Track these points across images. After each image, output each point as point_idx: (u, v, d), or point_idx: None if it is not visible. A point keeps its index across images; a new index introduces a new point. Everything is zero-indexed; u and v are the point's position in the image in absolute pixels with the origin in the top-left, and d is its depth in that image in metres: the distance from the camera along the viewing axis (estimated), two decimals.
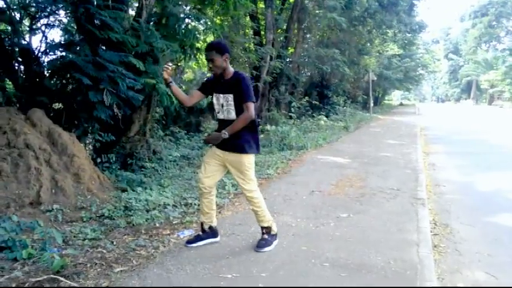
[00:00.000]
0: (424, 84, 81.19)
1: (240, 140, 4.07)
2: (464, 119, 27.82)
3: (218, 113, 4.18)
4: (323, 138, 13.89)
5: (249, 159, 4.15)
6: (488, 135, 16.43)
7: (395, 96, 76.18)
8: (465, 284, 3.81)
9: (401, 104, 62.16)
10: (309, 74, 23.00)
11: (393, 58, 36.18)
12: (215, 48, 4.01)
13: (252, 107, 3.99)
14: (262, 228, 4.36)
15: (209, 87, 4.26)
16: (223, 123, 4.13)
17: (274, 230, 4.40)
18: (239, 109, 4.02)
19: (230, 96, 4.03)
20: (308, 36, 21.69)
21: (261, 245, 4.26)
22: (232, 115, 4.06)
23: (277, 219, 5.25)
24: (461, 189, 7.54)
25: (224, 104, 4.09)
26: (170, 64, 4.21)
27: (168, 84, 4.21)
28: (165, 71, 4.14)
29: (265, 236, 4.33)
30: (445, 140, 15.34)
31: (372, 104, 30.92)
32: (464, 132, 18.13)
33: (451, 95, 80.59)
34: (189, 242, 4.38)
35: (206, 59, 4.09)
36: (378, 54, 33.67)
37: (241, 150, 4.10)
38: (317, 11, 19.22)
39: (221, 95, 4.10)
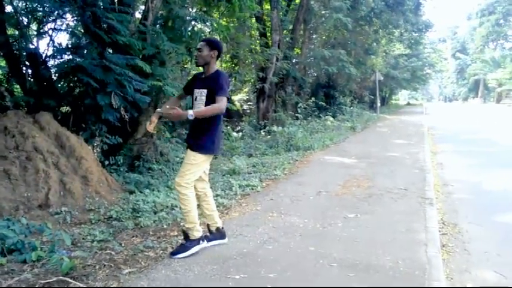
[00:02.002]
0: (431, 84, 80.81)
1: (196, 139, 4.09)
2: (472, 118, 27.64)
3: (192, 107, 4.17)
4: (330, 138, 13.87)
5: (194, 157, 4.06)
6: (496, 134, 16.31)
7: (402, 96, 75.89)
8: (474, 283, 3.80)
9: (408, 104, 61.85)
10: (316, 74, 22.93)
11: (400, 58, 36.05)
12: (206, 41, 4.16)
13: (224, 101, 3.97)
14: (183, 232, 4.25)
15: (192, 83, 4.32)
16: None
17: (195, 235, 4.17)
18: (208, 105, 3.99)
19: (204, 91, 4.07)
20: (314, 36, 21.68)
21: (175, 251, 4.15)
22: None
23: (285, 220, 5.27)
24: (470, 188, 7.50)
25: (198, 98, 4.11)
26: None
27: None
28: (149, 125, 4.24)
29: (183, 241, 4.21)
30: (452, 139, 15.26)
31: (378, 104, 30.81)
32: (472, 131, 18.02)
33: (458, 94, 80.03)
34: None
35: (196, 49, 4.20)
36: (384, 54, 33.55)
37: (191, 147, 4.09)
38: (323, 12, 19.22)
39: (197, 90, 4.14)
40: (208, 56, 4.10)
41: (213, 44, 4.15)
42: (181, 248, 4.13)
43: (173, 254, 4.10)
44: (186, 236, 4.19)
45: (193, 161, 4.05)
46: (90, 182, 6.04)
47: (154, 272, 3.72)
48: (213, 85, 4.01)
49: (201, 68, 4.31)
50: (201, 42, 4.15)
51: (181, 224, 5.07)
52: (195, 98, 4.14)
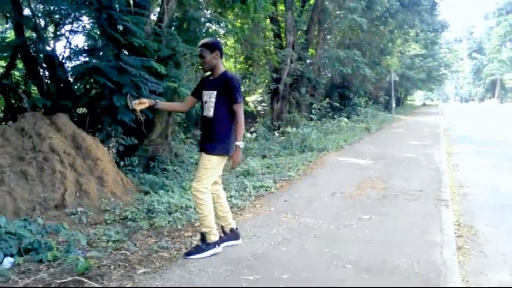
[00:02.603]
0: (447, 84, 79.90)
1: (210, 142, 4.11)
2: (489, 118, 27.31)
3: (203, 109, 4.20)
4: (344, 139, 13.81)
5: (210, 160, 4.07)
6: None
7: (417, 97, 75.27)
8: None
9: (424, 105, 61.29)
10: (330, 75, 22.87)
11: (415, 58, 35.79)
12: (205, 45, 4.10)
13: (242, 107, 4.10)
14: (200, 233, 4.23)
15: (200, 86, 4.34)
16: (202, 120, 4.21)
17: (212, 239, 4.15)
18: (218, 107, 4.05)
19: (213, 93, 4.08)
20: (329, 37, 21.61)
21: (190, 251, 4.13)
22: (210, 112, 4.08)
23: (299, 221, 5.26)
24: (486, 190, 7.41)
25: (207, 101, 4.12)
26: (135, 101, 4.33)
27: (153, 110, 4.26)
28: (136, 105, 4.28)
29: (199, 243, 4.19)
30: (468, 140, 15.09)
31: (394, 105, 30.57)
32: (488, 132, 17.80)
33: (474, 95, 79.08)
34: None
35: (199, 56, 4.18)
36: (399, 54, 33.33)
37: (213, 151, 4.09)
38: (337, 12, 19.13)
39: (207, 92, 4.14)
40: (212, 59, 4.08)
41: (212, 46, 4.10)
42: (197, 250, 4.13)
43: (188, 254, 4.11)
44: (203, 238, 4.18)
45: (209, 164, 4.06)
46: (106, 183, 6.09)
47: (168, 273, 3.74)
48: (225, 89, 4.04)
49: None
50: (200, 48, 4.09)
51: (198, 226, 5.10)
52: (205, 101, 4.15)
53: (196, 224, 5.15)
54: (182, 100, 7.77)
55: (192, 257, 4.05)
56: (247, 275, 3.67)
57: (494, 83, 66.18)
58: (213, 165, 4.07)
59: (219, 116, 4.06)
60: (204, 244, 4.14)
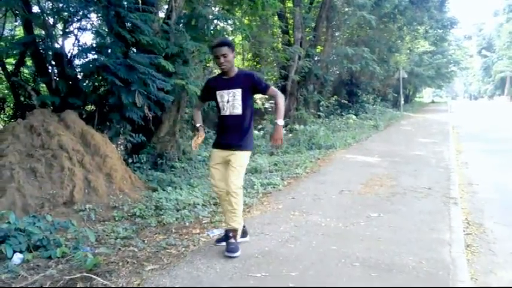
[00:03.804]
0: (456, 81, 79.53)
1: (242, 139, 4.16)
2: (498, 116, 27.11)
3: (223, 109, 4.18)
4: (352, 137, 13.78)
5: (247, 156, 4.22)
6: None
7: (426, 94, 74.77)
8: (500, 285, 3.73)
9: (432, 102, 60.91)
10: (338, 72, 22.78)
11: (424, 55, 35.52)
12: (228, 44, 4.10)
13: (275, 89, 4.25)
14: (230, 231, 4.19)
15: (211, 86, 4.30)
16: (227, 119, 4.18)
17: (240, 234, 4.27)
18: (245, 104, 4.12)
19: (238, 91, 4.10)
20: (337, 34, 21.50)
21: (231, 249, 4.09)
22: (238, 110, 4.11)
23: (306, 219, 5.25)
24: (495, 187, 7.37)
25: (230, 100, 4.12)
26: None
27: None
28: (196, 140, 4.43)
29: (233, 241, 4.17)
30: (478, 137, 14.99)
31: (402, 102, 30.41)
32: (498, 129, 17.68)
33: (484, 92, 78.62)
34: (219, 240, 4.41)
35: (216, 55, 4.08)
36: (408, 51, 33.14)
37: (247, 147, 4.20)
38: (346, 9, 19.04)
39: (226, 91, 4.14)
40: (232, 58, 4.12)
41: (233, 46, 4.18)
42: (236, 247, 4.12)
43: (229, 251, 4.08)
44: (234, 234, 4.18)
45: (246, 160, 4.21)
46: (114, 180, 6.12)
47: (176, 270, 3.75)
48: (247, 84, 4.11)
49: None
50: (222, 47, 4.03)
51: (205, 222, 5.12)
52: (227, 101, 4.13)
53: (204, 221, 5.17)
54: (190, 97, 7.84)
55: (235, 254, 4.05)
56: (255, 273, 3.66)
57: (503, 80, 65.67)
58: (247, 161, 4.22)
59: (246, 112, 4.15)
60: (236, 241, 4.19)
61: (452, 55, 45.28)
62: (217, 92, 4.18)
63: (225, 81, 4.19)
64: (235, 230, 4.19)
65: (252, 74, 4.25)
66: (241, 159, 4.13)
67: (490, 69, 70.99)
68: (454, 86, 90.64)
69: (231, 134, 4.19)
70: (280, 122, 4.10)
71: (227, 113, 4.16)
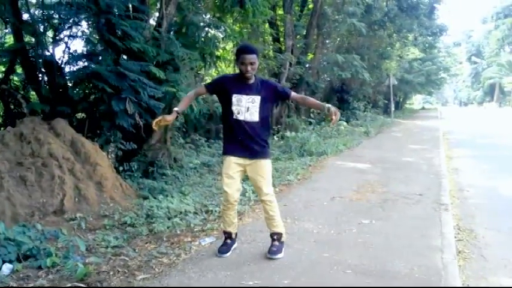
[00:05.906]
0: (446, 88, 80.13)
1: (266, 146, 4.14)
2: (488, 122, 27.33)
3: (238, 114, 4.01)
4: (343, 143, 13.80)
5: (270, 163, 4.22)
6: None
7: (416, 101, 75.24)
8: None
9: (423, 108, 61.35)
10: (329, 79, 22.88)
11: (414, 62, 35.83)
12: (257, 52, 4.03)
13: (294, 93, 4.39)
14: (275, 234, 4.25)
15: (226, 87, 4.11)
16: (242, 125, 4.02)
17: (285, 237, 4.35)
18: (263, 112, 4.06)
19: (257, 98, 4.02)
20: (327, 41, 21.62)
21: (273, 251, 4.17)
22: (256, 117, 4.02)
23: (298, 226, 5.25)
24: (486, 193, 7.40)
25: (250, 107, 4.00)
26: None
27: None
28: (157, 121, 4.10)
29: (276, 243, 4.24)
30: (468, 143, 15.09)
31: (393, 109, 30.58)
32: (487, 135, 17.82)
33: (473, 98, 79.20)
34: (222, 252, 4.30)
35: (243, 62, 3.93)
36: (398, 58, 33.35)
37: (268, 155, 4.20)
38: (336, 17, 19.16)
39: (245, 96, 4.00)
40: (257, 66, 4.05)
41: (258, 52, 4.12)
42: (278, 249, 4.22)
43: (272, 253, 4.18)
44: (279, 238, 4.28)
45: (270, 167, 4.23)
46: (105, 188, 6.08)
47: (168, 278, 3.72)
48: (268, 93, 4.10)
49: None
50: (254, 55, 3.93)
51: (197, 231, 5.10)
52: (245, 106, 4.00)
53: (195, 229, 5.14)
54: None
55: (277, 255, 4.16)
56: (247, 280, 3.65)
57: (493, 87, 66.27)
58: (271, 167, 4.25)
59: (264, 120, 4.10)
60: (280, 242, 4.27)
61: (442, 62, 45.69)
62: (234, 95, 4.02)
63: (243, 85, 4.05)
64: (279, 234, 4.26)
65: (275, 85, 4.28)
66: (267, 167, 4.15)
67: (480, 76, 71.55)
68: (444, 92, 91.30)
69: (248, 141, 4.05)
70: (328, 104, 4.11)
71: (241, 118, 4.00)
